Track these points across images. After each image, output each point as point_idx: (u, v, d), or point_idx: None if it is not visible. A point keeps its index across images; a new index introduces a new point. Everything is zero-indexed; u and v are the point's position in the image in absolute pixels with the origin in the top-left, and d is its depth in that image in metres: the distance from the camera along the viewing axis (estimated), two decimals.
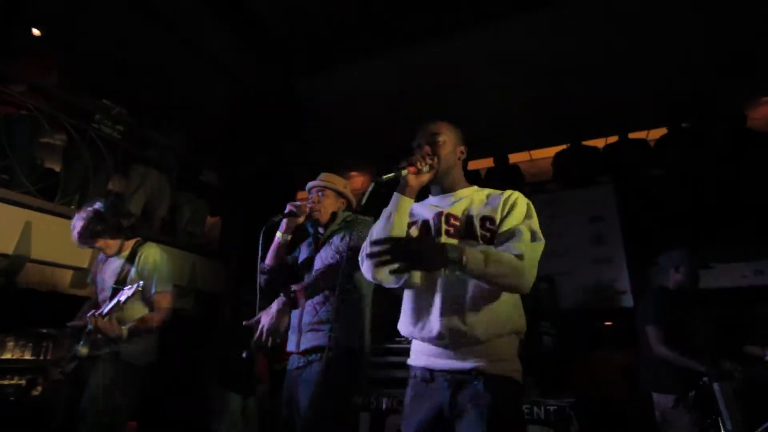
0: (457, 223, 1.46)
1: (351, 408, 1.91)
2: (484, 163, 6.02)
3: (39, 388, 4.86)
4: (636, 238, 4.22)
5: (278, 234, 2.09)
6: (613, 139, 5.26)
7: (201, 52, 5.16)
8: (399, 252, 1.23)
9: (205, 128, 5.76)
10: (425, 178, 1.47)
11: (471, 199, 1.51)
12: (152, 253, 2.43)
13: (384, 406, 2.92)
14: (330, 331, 1.80)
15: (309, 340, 1.89)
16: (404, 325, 1.49)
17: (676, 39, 4.46)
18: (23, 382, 5.00)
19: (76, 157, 3.87)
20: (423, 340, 1.44)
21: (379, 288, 1.93)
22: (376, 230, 1.43)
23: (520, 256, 1.28)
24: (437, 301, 1.38)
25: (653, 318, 2.75)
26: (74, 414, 2.14)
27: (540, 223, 1.43)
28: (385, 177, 1.39)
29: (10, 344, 5.53)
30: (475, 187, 1.58)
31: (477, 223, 1.43)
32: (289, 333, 1.98)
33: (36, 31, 4.61)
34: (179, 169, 4.88)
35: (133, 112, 4.62)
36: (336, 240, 2.04)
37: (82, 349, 2.22)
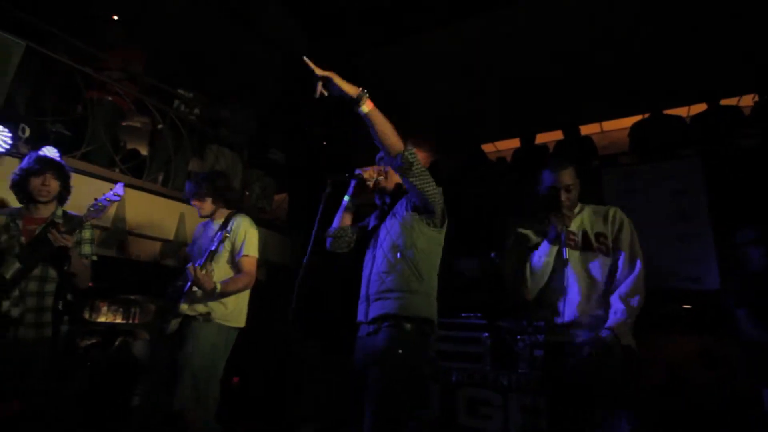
0: (576, 238, 2.01)
1: (421, 379, 1.88)
2: (553, 136, 5.76)
3: (131, 348, 5.37)
4: (725, 214, 3.85)
5: (346, 198, 2.09)
6: (699, 107, 4.80)
7: (262, 33, 5.28)
8: None
9: (271, 108, 5.92)
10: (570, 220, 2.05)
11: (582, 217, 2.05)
12: (244, 221, 2.62)
13: (454, 378, 2.96)
14: (398, 299, 1.80)
15: (377, 309, 1.86)
16: None
17: None
18: (117, 342, 5.55)
19: (160, 139, 4.14)
20: None
21: (449, 261, 1.90)
22: None
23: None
24: None
25: (738, 300, 2.58)
26: (172, 371, 2.32)
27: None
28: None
29: (104, 309, 6.17)
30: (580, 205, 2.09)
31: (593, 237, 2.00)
32: (358, 303, 1.98)
33: (115, 17, 4.92)
34: (249, 148, 5.09)
35: (204, 94, 4.85)
36: (398, 208, 1.99)
37: (183, 306, 2.43)
